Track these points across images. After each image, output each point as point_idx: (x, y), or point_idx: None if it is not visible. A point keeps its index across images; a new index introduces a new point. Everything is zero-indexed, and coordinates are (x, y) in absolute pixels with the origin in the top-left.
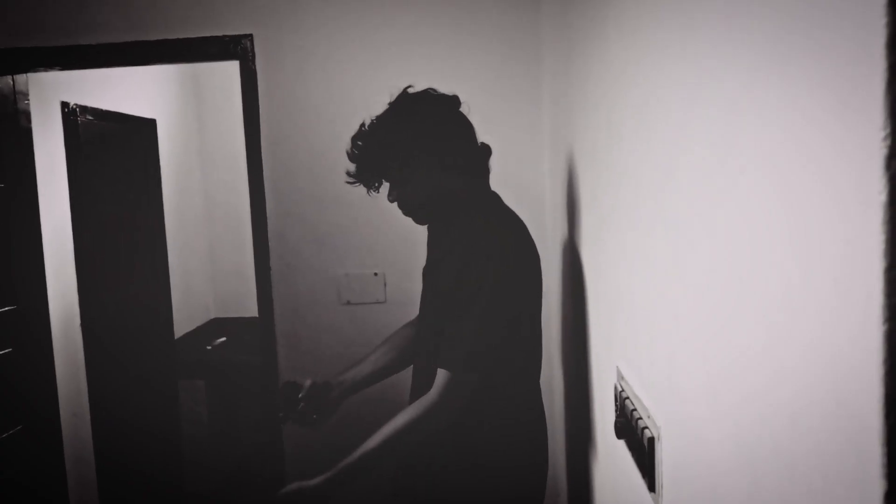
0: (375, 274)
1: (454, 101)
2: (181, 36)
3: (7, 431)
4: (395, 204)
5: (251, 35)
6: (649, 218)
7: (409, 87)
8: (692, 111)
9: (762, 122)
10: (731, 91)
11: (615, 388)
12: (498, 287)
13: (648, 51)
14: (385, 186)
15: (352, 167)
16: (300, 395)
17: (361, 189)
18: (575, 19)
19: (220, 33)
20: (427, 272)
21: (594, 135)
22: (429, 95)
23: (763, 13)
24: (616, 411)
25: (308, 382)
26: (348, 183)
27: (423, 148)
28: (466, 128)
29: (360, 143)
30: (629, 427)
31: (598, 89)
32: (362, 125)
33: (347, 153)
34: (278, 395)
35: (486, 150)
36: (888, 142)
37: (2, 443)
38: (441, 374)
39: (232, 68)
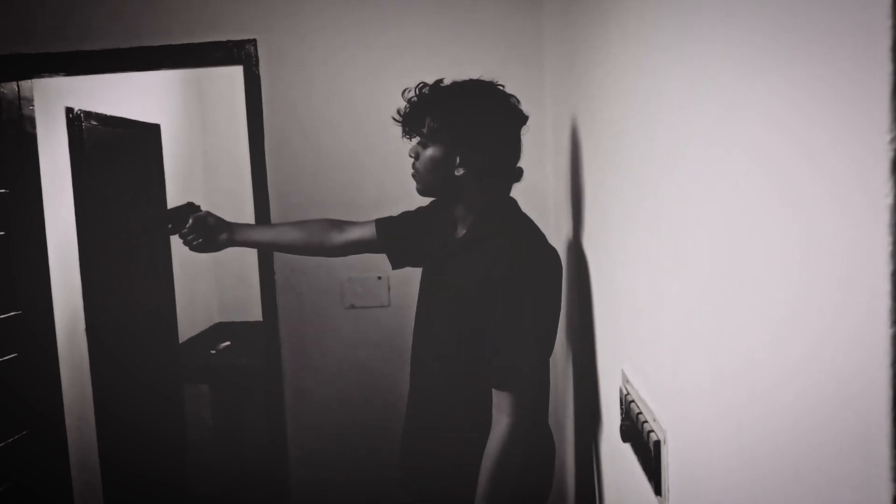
0: (379, 278)
1: (523, 119)
2: (185, 41)
3: (12, 436)
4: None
5: (255, 40)
6: (652, 219)
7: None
8: (694, 112)
9: (766, 123)
10: (735, 91)
11: (620, 391)
12: (538, 300)
13: (651, 51)
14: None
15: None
16: (190, 217)
17: (365, 192)
18: (577, 19)
19: (223, 38)
20: (433, 267)
21: (597, 135)
22: (510, 98)
23: (766, 14)
24: (621, 415)
25: (202, 211)
26: (394, 119)
27: (461, 132)
28: (515, 145)
29: (424, 89)
30: (635, 430)
31: (600, 89)
32: (440, 80)
33: (403, 96)
34: (174, 210)
35: (518, 173)
36: (895, 144)
37: (7, 447)
38: (506, 398)
39: (236, 73)
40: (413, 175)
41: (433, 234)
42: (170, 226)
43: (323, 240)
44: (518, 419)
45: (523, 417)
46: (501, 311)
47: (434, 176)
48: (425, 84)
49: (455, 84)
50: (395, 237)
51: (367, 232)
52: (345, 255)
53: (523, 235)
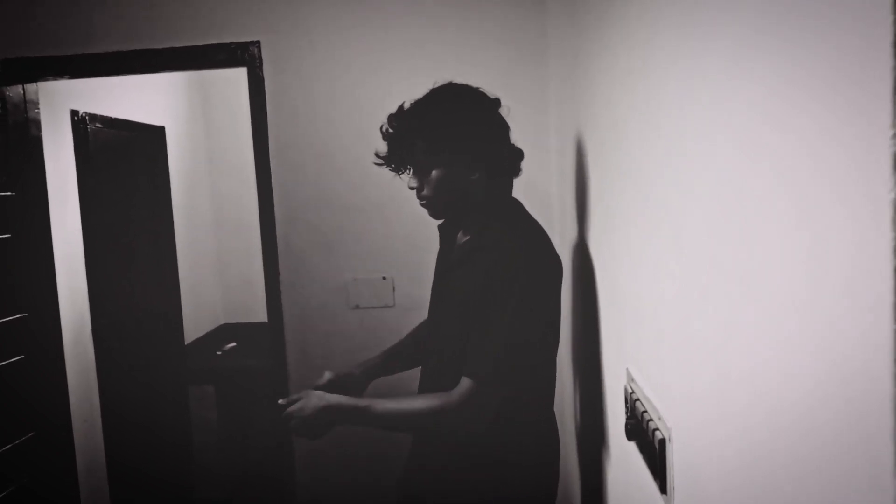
0: (384, 278)
1: (495, 102)
2: (189, 44)
3: (20, 438)
4: (414, 193)
5: (258, 42)
6: (656, 219)
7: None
8: (696, 113)
9: (768, 124)
10: (738, 90)
11: (625, 389)
12: (526, 302)
13: (654, 51)
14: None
15: (383, 149)
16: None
17: (369, 194)
18: (581, 21)
19: (227, 40)
20: (441, 273)
21: (601, 135)
22: (472, 91)
23: (768, 14)
24: (626, 413)
25: (326, 376)
26: (376, 164)
27: (454, 139)
28: (503, 130)
29: (395, 122)
30: (640, 429)
31: (604, 90)
32: (401, 106)
33: (381, 131)
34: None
35: (518, 154)
36: None
37: (15, 449)
38: (465, 382)
39: (240, 75)
40: (423, 205)
41: (444, 244)
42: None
43: None
44: (464, 407)
45: (474, 409)
46: (478, 298)
47: (450, 193)
48: (393, 115)
49: (421, 101)
50: None
51: None
52: None
53: (524, 240)
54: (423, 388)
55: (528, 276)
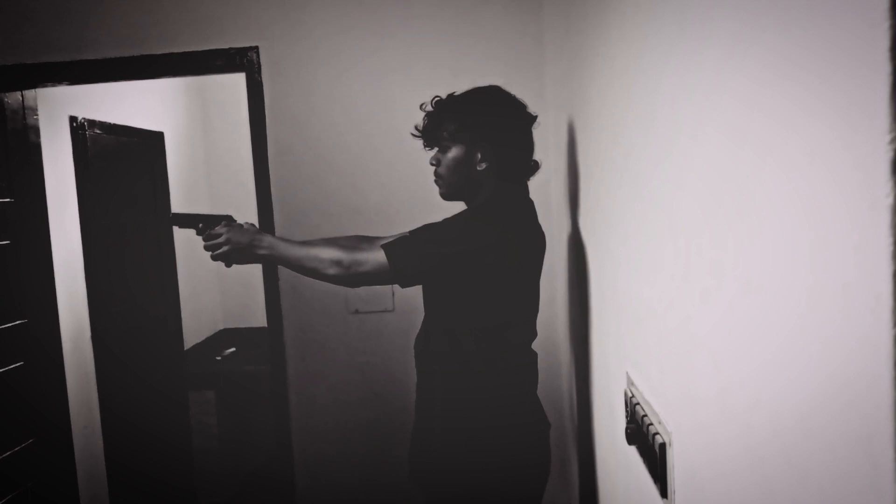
0: None
1: (532, 118)
2: (188, 49)
3: (20, 444)
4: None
5: (257, 47)
6: (655, 221)
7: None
8: (694, 114)
9: (767, 127)
10: (736, 93)
11: (625, 393)
12: (466, 226)
13: (650, 54)
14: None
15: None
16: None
17: (368, 198)
18: (577, 23)
19: (226, 46)
20: None
21: (597, 136)
22: (512, 97)
23: (766, 17)
24: (626, 417)
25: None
26: (413, 135)
27: (478, 127)
28: (526, 139)
29: (436, 101)
30: (640, 433)
31: (600, 91)
32: (450, 94)
33: (421, 108)
34: (210, 217)
35: (535, 167)
36: (894, 145)
37: (15, 455)
38: (379, 252)
39: (238, 80)
40: (436, 181)
41: None
42: (200, 225)
43: None
44: (366, 267)
45: (367, 270)
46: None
47: (458, 175)
48: (439, 96)
49: (469, 91)
50: None
51: None
52: None
53: (503, 213)
54: (420, 384)
55: (482, 222)
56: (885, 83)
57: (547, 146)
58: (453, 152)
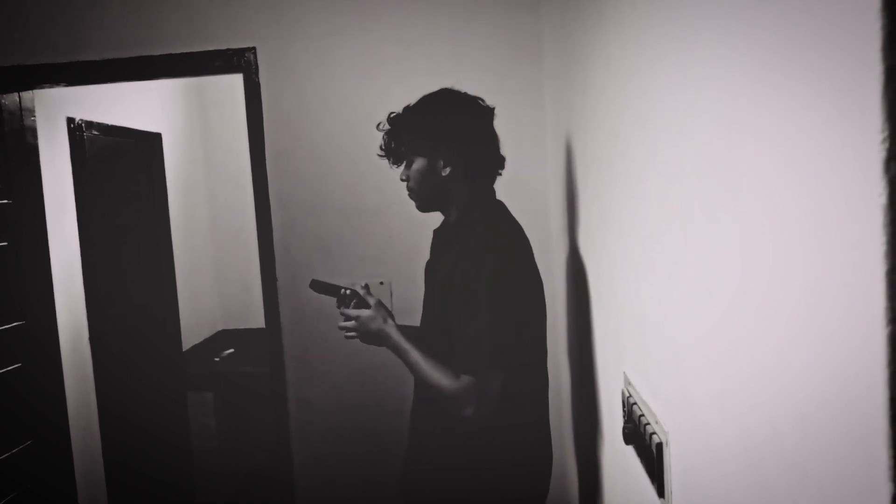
0: (381, 283)
1: (485, 109)
2: (185, 50)
3: (18, 446)
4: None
5: (254, 48)
6: (654, 222)
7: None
8: (692, 114)
9: (763, 125)
10: (730, 92)
11: (623, 393)
12: (502, 288)
13: (646, 51)
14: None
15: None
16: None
17: (367, 198)
18: (574, 21)
19: (223, 47)
20: (429, 270)
21: (594, 135)
22: (462, 95)
23: (759, 15)
24: (624, 417)
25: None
26: (379, 155)
27: (435, 131)
28: (487, 135)
29: (390, 117)
30: (637, 433)
31: (597, 89)
32: (407, 105)
33: (377, 128)
34: (347, 293)
35: (499, 161)
36: (887, 144)
37: (13, 457)
38: (464, 378)
39: (236, 81)
40: (410, 195)
41: None
42: (337, 297)
43: None
44: (480, 405)
45: (485, 402)
46: (457, 290)
47: (426, 184)
48: (394, 112)
49: (420, 100)
50: None
51: None
52: None
53: (493, 221)
54: (418, 385)
55: (503, 266)
56: (877, 82)
57: (545, 144)
58: (417, 164)
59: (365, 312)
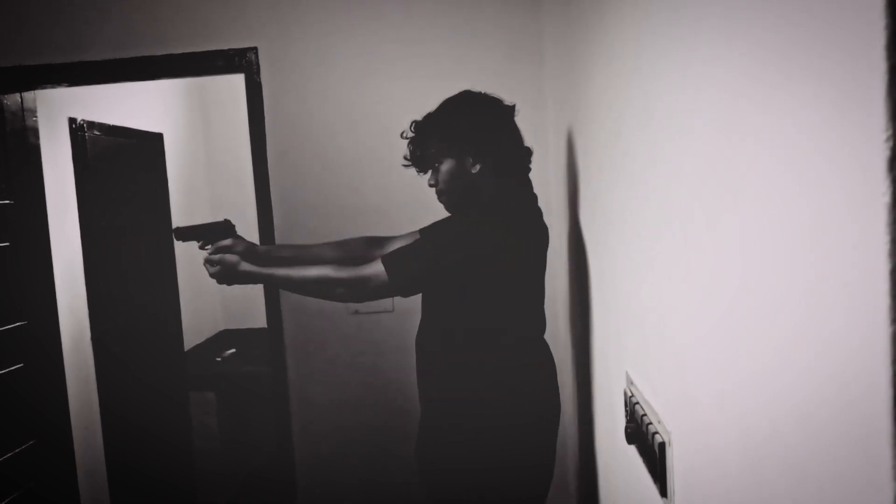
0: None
1: (507, 108)
2: (187, 50)
3: (20, 446)
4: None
5: (256, 48)
6: (654, 222)
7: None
8: (693, 114)
9: (763, 125)
10: (731, 91)
11: (625, 393)
12: (463, 236)
13: (647, 51)
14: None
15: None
16: (222, 242)
17: (369, 198)
18: (575, 20)
19: (225, 47)
20: None
21: (596, 135)
22: (483, 95)
23: (762, 15)
24: (626, 417)
25: (230, 241)
26: (404, 165)
27: (461, 132)
28: (515, 135)
29: (414, 125)
30: (639, 433)
31: (598, 89)
32: (429, 113)
33: (402, 136)
34: (209, 226)
35: (528, 154)
36: (891, 143)
37: (15, 457)
38: (377, 264)
39: (238, 81)
40: (439, 199)
41: None
42: (201, 242)
43: (365, 256)
44: (368, 283)
45: (370, 287)
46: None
47: (456, 184)
48: (416, 120)
49: (441, 105)
50: None
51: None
52: None
53: (502, 207)
54: (421, 384)
55: (481, 226)
56: (881, 81)
57: (547, 142)
58: (445, 165)
59: (225, 247)
